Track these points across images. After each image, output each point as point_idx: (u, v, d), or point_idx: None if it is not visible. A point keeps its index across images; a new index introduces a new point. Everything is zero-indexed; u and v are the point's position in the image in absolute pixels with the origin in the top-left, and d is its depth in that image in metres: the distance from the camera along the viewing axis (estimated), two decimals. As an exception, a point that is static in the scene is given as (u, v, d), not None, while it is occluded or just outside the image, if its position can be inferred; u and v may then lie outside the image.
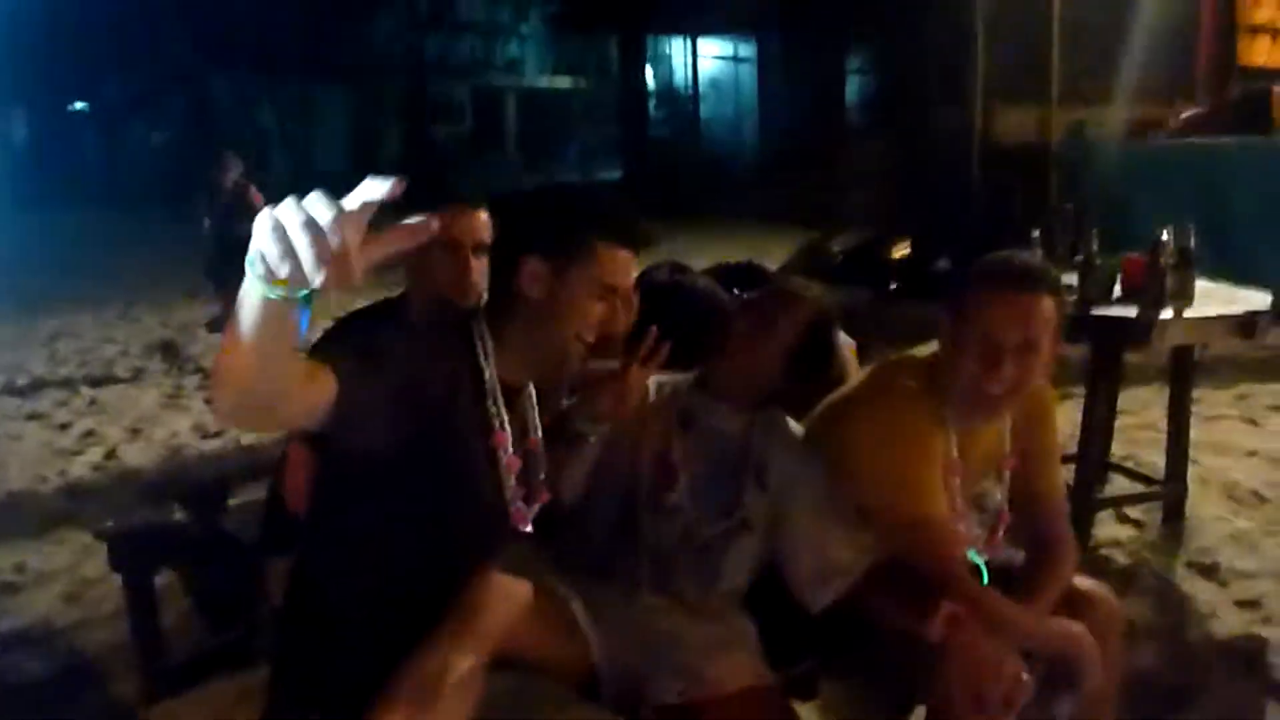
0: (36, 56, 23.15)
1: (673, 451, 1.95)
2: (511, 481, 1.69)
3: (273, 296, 1.07)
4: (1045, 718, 1.83)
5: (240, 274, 1.10)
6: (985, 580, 1.99)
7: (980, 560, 2.00)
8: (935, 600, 1.76)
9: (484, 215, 2.17)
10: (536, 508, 1.73)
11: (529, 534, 1.73)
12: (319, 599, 1.64)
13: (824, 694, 2.18)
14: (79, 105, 27.94)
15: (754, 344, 1.95)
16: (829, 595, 1.87)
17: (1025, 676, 1.68)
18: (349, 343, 1.50)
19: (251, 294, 1.09)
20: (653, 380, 2.01)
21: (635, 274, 1.74)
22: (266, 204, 1.05)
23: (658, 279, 2.49)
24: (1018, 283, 1.84)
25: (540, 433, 1.76)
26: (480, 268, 2.10)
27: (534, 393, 1.77)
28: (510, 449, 1.67)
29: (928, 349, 2.00)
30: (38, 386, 6.77)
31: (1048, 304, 1.83)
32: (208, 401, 6.15)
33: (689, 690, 1.81)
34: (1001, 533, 2.08)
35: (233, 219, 7.11)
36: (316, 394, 1.36)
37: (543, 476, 1.76)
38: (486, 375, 1.65)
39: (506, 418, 1.66)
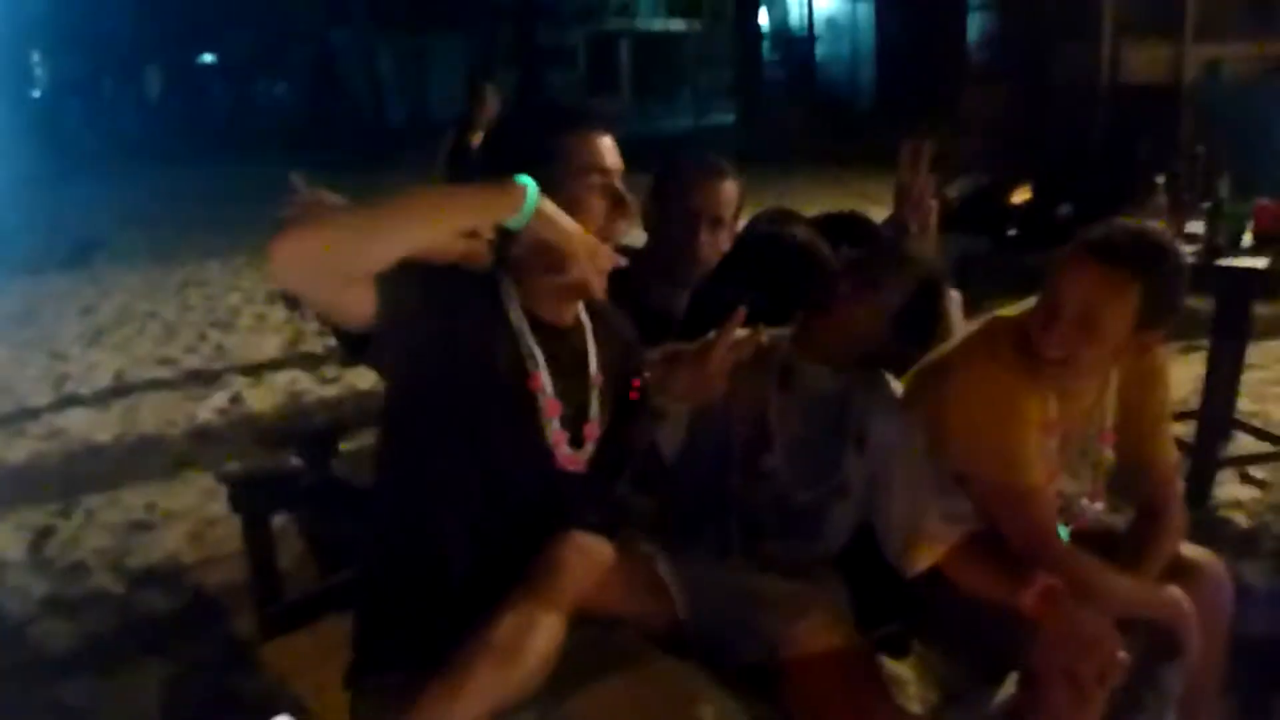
0: (168, 16, 23.91)
1: (769, 412, 1.92)
2: (555, 425, 1.67)
3: (511, 226, 1.37)
4: (1149, 689, 1.78)
5: None
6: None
7: (1065, 531, 1.93)
8: (1029, 572, 1.72)
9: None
10: (589, 448, 1.72)
11: (594, 481, 1.74)
12: (393, 554, 1.67)
13: (917, 654, 2.16)
14: (208, 58, 28.80)
15: (858, 305, 1.89)
16: (921, 561, 1.84)
17: (1122, 654, 1.62)
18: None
19: (485, 200, 1.39)
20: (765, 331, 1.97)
21: (617, 155, 1.68)
22: None
23: (758, 230, 2.45)
24: (1096, 252, 1.75)
25: (600, 368, 1.74)
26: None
27: (590, 333, 1.75)
28: (549, 390, 1.65)
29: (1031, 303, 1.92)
30: (169, 333, 7.07)
31: (1122, 284, 1.72)
32: (328, 348, 6.36)
33: (776, 650, 1.81)
34: (1100, 493, 2.00)
35: None
36: (369, 294, 1.41)
37: (594, 416, 1.73)
38: (512, 316, 1.63)
39: (541, 357, 1.64)
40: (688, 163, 2.29)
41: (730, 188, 2.24)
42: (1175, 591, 1.80)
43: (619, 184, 1.67)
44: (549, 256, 1.56)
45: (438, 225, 1.43)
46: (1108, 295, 1.72)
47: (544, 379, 1.65)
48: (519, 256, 1.62)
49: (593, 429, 1.73)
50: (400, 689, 1.52)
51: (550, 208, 1.51)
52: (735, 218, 2.30)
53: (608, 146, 1.68)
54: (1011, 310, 1.95)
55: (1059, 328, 1.75)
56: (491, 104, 6.25)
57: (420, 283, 1.50)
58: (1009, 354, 1.83)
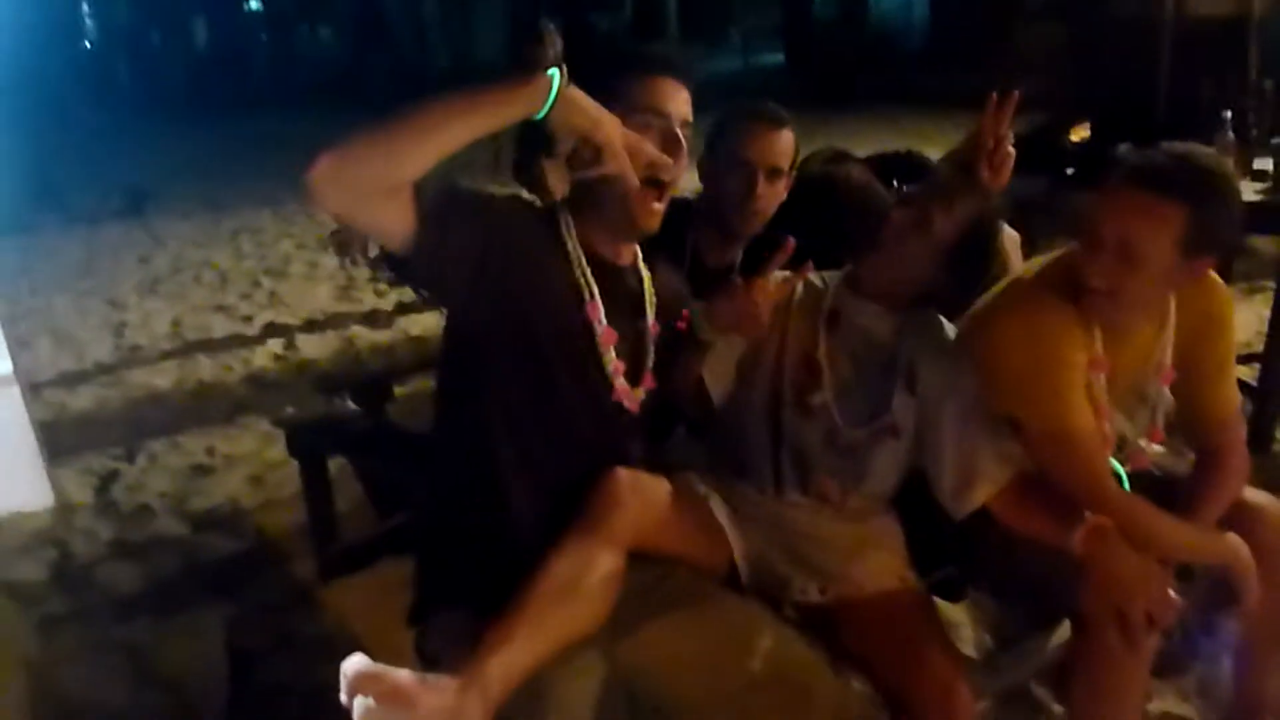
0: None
1: (819, 352, 1.91)
2: (611, 355, 1.69)
3: (538, 116, 1.42)
4: (1206, 636, 1.76)
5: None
6: (1125, 486, 1.91)
7: (1122, 469, 1.91)
8: (1080, 514, 1.70)
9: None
10: (643, 391, 1.74)
11: (657, 427, 1.75)
12: (454, 490, 1.70)
13: (971, 599, 2.15)
14: (254, 5, 28.84)
15: (910, 240, 1.86)
16: (972, 503, 1.82)
17: (1173, 595, 1.60)
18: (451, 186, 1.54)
19: (510, 93, 1.43)
20: (813, 275, 1.95)
21: (682, 103, 1.68)
22: None
23: (810, 170, 2.42)
24: (1135, 177, 1.68)
25: (655, 316, 1.77)
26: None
27: (645, 275, 1.78)
28: (604, 320, 1.67)
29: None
30: (223, 281, 7.15)
31: (1161, 210, 1.65)
32: (378, 294, 6.42)
33: (830, 590, 1.82)
34: (1159, 433, 1.96)
35: None
36: (407, 210, 1.44)
37: (651, 364, 1.76)
38: (569, 245, 1.66)
39: (596, 289, 1.66)
40: (743, 112, 2.24)
41: (787, 137, 2.20)
42: (1234, 538, 1.77)
43: (678, 129, 1.66)
44: (588, 151, 1.56)
45: (468, 124, 1.43)
46: (1146, 221, 1.66)
47: (599, 309, 1.66)
48: (577, 189, 1.65)
49: (649, 378, 1.75)
50: (463, 626, 1.55)
51: (578, 94, 1.50)
52: (793, 168, 2.26)
53: (670, 91, 1.68)
54: (1059, 251, 1.90)
55: (1100, 258, 1.69)
56: (553, 47, 6.13)
57: (477, 210, 1.54)
58: (1051, 294, 1.78)
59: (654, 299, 1.79)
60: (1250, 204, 3.19)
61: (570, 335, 1.66)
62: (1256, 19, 7.39)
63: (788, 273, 1.78)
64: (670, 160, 1.64)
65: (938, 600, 2.06)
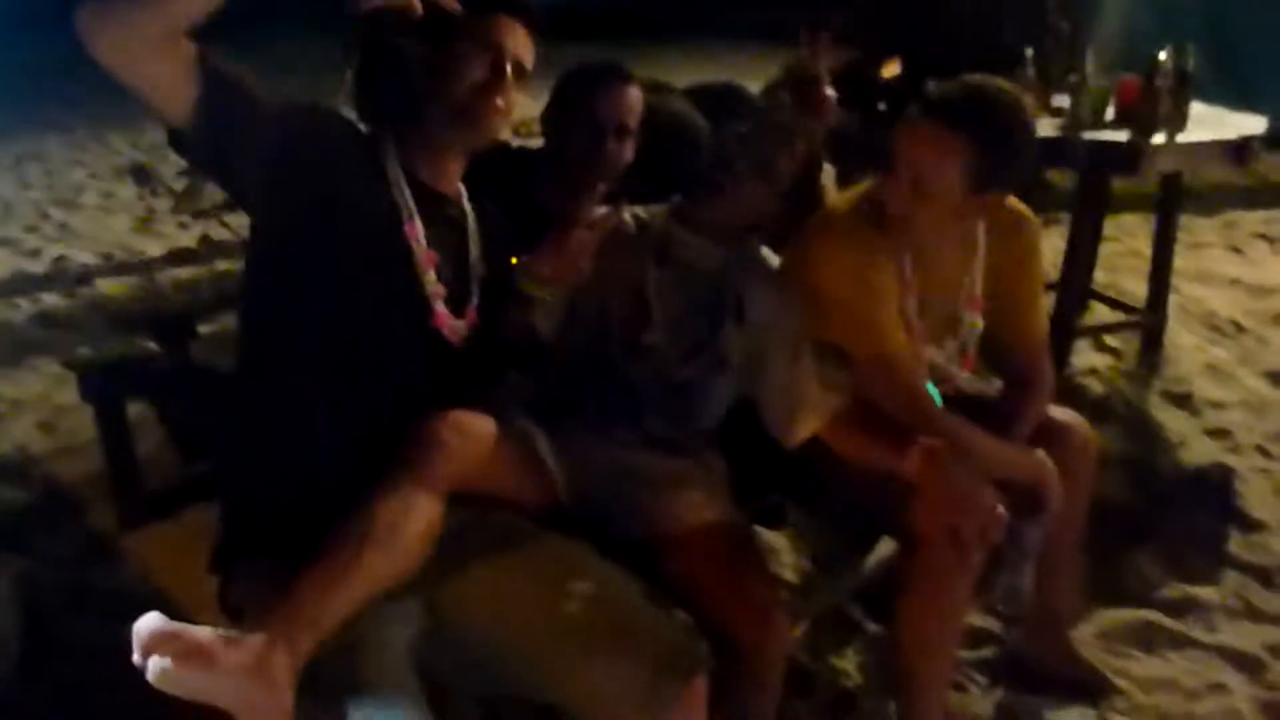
0: None
1: (647, 288, 1.89)
2: (432, 277, 1.64)
3: None
4: (1011, 546, 1.85)
5: None
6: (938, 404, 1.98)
7: (935, 392, 1.97)
8: (908, 437, 1.75)
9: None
10: (464, 325, 1.69)
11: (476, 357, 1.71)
12: (261, 431, 1.60)
13: (793, 524, 2.21)
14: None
15: (752, 184, 1.86)
16: (803, 433, 1.85)
17: (1000, 510, 1.68)
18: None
19: None
20: (627, 211, 1.95)
21: (524, 44, 1.67)
22: None
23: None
24: (928, 109, 1.77)
25: (481, 254, 1.73)
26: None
27: (469, 211, 1.74)
28: (423, 241, 1.62)
29: None
30: (6, 212, 6.60)
31: (948, 141, 1.73)
32: (181, 226, 6.05)
33: (651, 525, 1.82)
34: (970, 360, 2.04)
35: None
36: (188, 71, 1.37)
37: (475, 302, 1.71)
38: (388, 167, 1.62)
39: (415, 210, 1.62)
40: (591, 68, 2.14)
41: (635, 94, 2.10)
42: (1040, 454, 1.87)
43: (506, 62, 1.62)
44: None
45: None
46: (934, 153, 1.74)
47: (418, 230, 1.61)
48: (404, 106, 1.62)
49: (473, 314, 1.70)
50: (270, 576, 1.46)
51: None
52: (638, 125, 2.17)
53: (501, 26, 1.64)
54: (868, 183, 1.94)
55: (897, 186, 1.78)
56: None
57: (274, 103, 1.47)
58: (861, 224, 1.85)
59: (478, 234, 1.74)
60: (1047, 139, 3.33)
61: (385, 257, 1.60)
62: (1055, -41, 7.72)
63: (604, 209, 1.75)
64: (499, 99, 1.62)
65: (760, 528, 2.10)
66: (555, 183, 2.11)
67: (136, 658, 1.22)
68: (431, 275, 1.63)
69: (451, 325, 1.67)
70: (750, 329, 1.89)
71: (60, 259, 5.56)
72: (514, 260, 1.75)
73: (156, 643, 1.21)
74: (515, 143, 2.39)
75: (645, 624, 1.52)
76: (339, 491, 1.48)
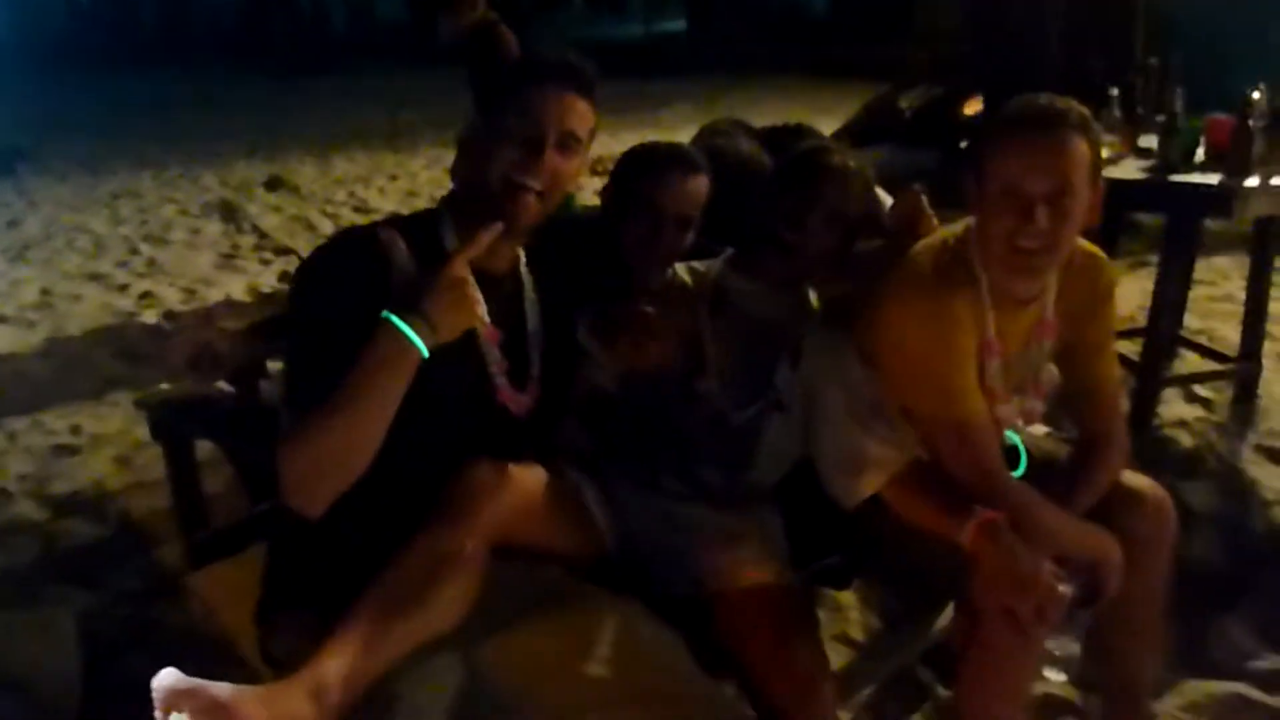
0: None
1: (703, 337, 1.85)
2: (496, 354, 1.63)
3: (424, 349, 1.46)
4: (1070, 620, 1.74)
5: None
6: (1024, 462, 1.88)
7: (1019, 440, 1.89)
8: (970, 505, 1.66)
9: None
10: (527, 399, 1.67)
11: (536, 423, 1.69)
12: None
13: (857, 585, 2.13)
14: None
15: (812, 237, 1.83)
16: (861, 492, 1.78)
17: (1061, 589, 1.58)
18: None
19: (403, 349, 1.44)
20: (683, 266, 1.94)
21: (575, 113, 1.61)
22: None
23: (703, 144, 2.33)
24: (1037, 124, 1.64)
25: (537, 320, 1.71)
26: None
27: (528, 281, 1.71)
28: (487, 319, 1.58)
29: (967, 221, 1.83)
30: (98, 247, 6.81)
31: (1077, 145, 1.64)
32: (263, 262, 6.18)
33: (698, 582, 1.76)
34: (1041, 408, 1.94)
35: (476, 65, 4.95)
36: None
37: (534, 374, 1.69)
38: (447, 244, 1.60)
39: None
40: (655, 156, 2.05)
41: (700, 184, 2.01)
42: (1106, 536, 1.75)
43: (547, 136, 1.57)
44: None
45: (382, 410, 1.47)
46: (1073, 162, 1.64)
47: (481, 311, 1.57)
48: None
49: (534, 387, 1.69)
50: (313, 626, 1.44)
51: (437, 313, 1.47)
52: (703, 213, 2.11)
53: (544, 98, 1.59)
54: (941, 232, 1.86)
55: (1036, 215, 1.63)
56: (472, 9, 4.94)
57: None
58: (945, 281, 1.74)
59: (536, 303, 1.71)
60: (1133, 181, 3.21)
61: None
62: (1143, -3, 7.56)
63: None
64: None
65: (825, 588, 2.03)
66: (604, 254, 2.05)
67: (157, 715, 1.21)
68: (495, 353, 1.63)
69: (515, 399, 1.66)
70: (806, 373, 1.85)
71: (146, 294, 5.70)
72: (577, 325, 1.74)
73: (175, 699, 1.20)
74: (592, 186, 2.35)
75: (690, 693, 1.47)
76: (384, 548, 1.45)
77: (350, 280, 1.52)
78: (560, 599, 1.59)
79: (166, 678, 1.22)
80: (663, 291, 1.78)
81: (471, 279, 1.51)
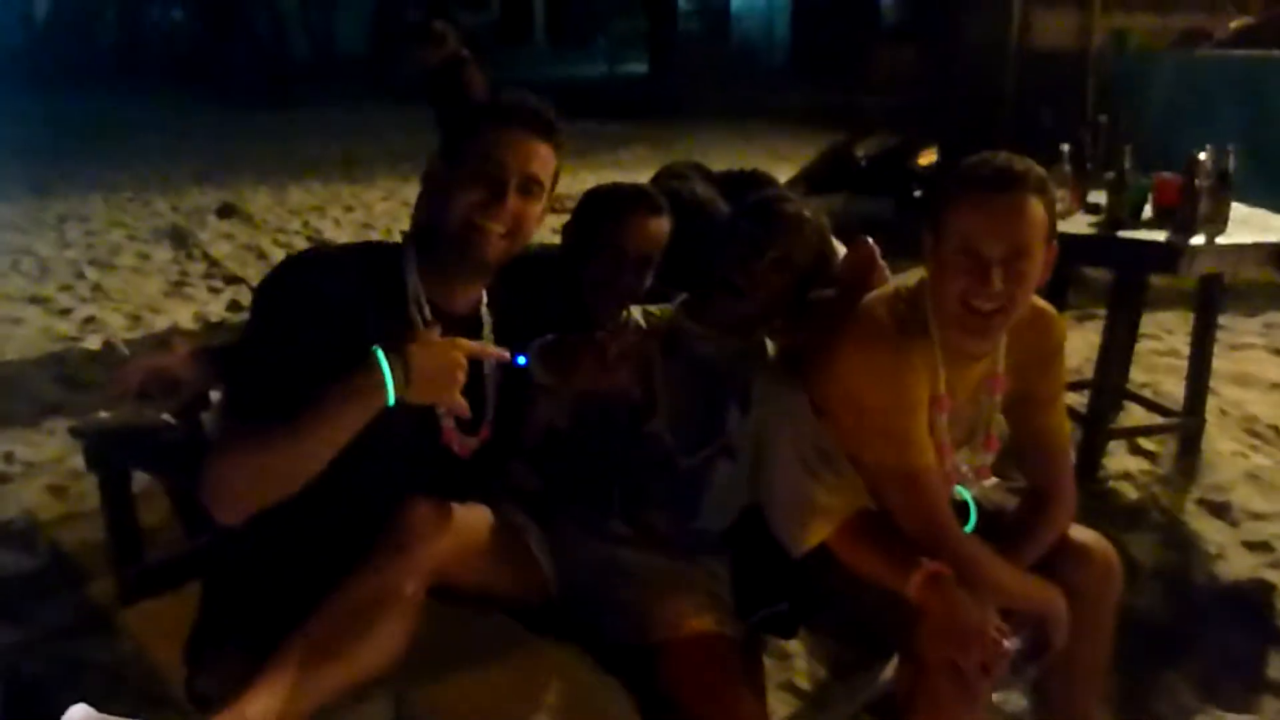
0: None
1: (654, 378, 1.83)
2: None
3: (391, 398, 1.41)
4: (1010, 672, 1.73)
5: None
6: (973, 516, 1.88)
7: (969, 496, 1.88)
8: (917, 557, 1.66)
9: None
10: (475, 441, 1.64)
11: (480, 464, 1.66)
12: (248, 524, 1.54)
13: (804, 634, 2.10)
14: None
15: (763, 284, 1.83)
16: (809, 541, 1.77)
17: (1006, 644, 1.57)
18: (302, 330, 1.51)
19: (375, 386, 1.40)
20: (637, 309, 1.94)
21: (537, 158, 1.61)
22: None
23: (659, 186, 2.33)
24: (996, 184, 1.63)
25: (495, 369, 1.68)
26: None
27: (487, 323, 1.69)
28: (465, 406, 1.54)
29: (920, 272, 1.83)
30: (43, 270, 6.68)
31: (1034, 207, 1.64)
32: (213, 290, 6.09)
33: (640, 630, 1.72)
34: (986, 473, 1.94)
35: (442, 101, 5.13)
36: None
37: (490, 416, 1.67)
38: (409, 285, 1.58)
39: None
40: (617, 196, 2.07)
41: (664, 224, 2.02)
42: (1054, 591, 1.76)
43: (509, 179, 1.57)
44: None
45: (334, 438, 1.43)
46: (1030, 223, 1.63)
47: None
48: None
49: (488, 429, 1.67)
50: (242, 664, 1.40)
51: (420, 374, 1.45)
52: (663, 254, 2.12)
53: (509, 142, 1.59)
54: (894, 282, 1.87)
55: (993, 276, 1.62)
56: (445, 45, 5.16)
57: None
58: (894, 328, 1.73)
59: (493, 342, 1.68)
60: (1082, 237, 3.26)
61: None
62: (1094, 55, 7.75)
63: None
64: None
65: (771, 636, 2.00)
66: (562, 292, 2.04)
67: None
68: None
69: (461, 441, 1.63)
70: (756, 419, 1.84)
71: (89, 319, 5.58)
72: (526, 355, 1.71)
73: None
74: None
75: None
76: (320, 585, 1.41)
77: (318, 301, 1.50)
78: (500, 644, 1.56)
79: (76, 713, 1.18)
80: (618, 331, 1.76)
81: (465, 366, 1.49)
